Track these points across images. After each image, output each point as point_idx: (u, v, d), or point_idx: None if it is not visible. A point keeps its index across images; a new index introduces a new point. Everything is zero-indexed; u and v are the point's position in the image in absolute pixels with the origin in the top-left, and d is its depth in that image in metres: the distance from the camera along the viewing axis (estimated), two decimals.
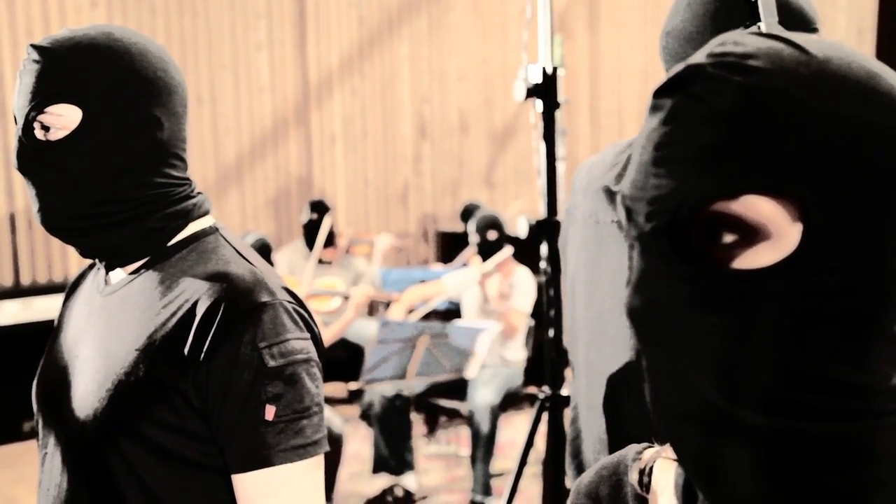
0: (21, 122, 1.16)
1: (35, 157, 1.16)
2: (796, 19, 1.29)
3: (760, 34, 0.59)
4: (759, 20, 1.25)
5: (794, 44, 0.57)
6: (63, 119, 1.14)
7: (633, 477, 0.74)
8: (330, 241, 5.35)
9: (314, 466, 1.14)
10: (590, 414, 1.48)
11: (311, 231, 5.34)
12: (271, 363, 1.12)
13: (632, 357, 1.36)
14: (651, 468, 0.74)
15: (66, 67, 1.14)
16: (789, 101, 0.54)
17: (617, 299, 1.37)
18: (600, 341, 1.42)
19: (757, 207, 0.54)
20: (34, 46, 1.15)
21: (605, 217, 1.40)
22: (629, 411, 1.37)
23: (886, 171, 0.54)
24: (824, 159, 0.53)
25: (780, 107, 0.54)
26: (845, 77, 0.55)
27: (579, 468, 1.51)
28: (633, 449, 0.78)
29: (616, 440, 1.40)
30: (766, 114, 0.54)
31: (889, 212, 0.54)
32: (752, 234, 0.55)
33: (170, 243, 1.22)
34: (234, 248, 1.24)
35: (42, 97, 1.14)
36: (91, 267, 1.35)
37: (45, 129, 1.15)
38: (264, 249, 4.01)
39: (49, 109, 1.14)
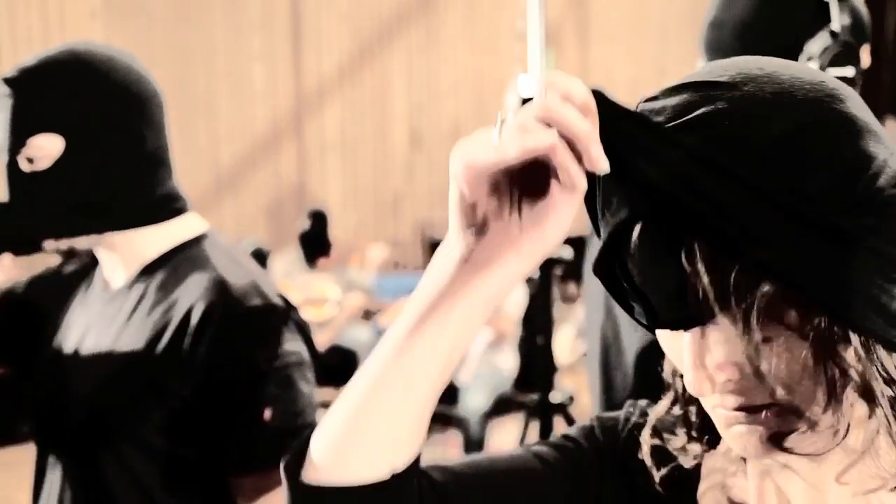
0: (5, 157, 1.15)
1: (24, 189, 1.14)
2: (858, 28, 1.29)
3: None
4: (829, 21, 1.24)
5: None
6: (45, 150, 1.13)
7: (645, 450, 0.71)
8: (325, 249, 5.42)
9: None
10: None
11: (307, 240, 5.40)
12: (266, 367, 1.14)
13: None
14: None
15: (39, 97, 1.13)
16: None
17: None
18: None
19: None
20: (3, 80, 1.14)
21: None
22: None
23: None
24: None
25: None
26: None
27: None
28: (638, 407, 0.76)
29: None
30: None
31: None
32: None
33: (167, 250, 1.23)
34: (228, 254, 1.24)
35: (21, 131, 1.12)
36: (84, 268, 1.34)
37: (30, 160, 1.14)
38: (260, 257, 4.08)
39: (30, 142, 1.13)
